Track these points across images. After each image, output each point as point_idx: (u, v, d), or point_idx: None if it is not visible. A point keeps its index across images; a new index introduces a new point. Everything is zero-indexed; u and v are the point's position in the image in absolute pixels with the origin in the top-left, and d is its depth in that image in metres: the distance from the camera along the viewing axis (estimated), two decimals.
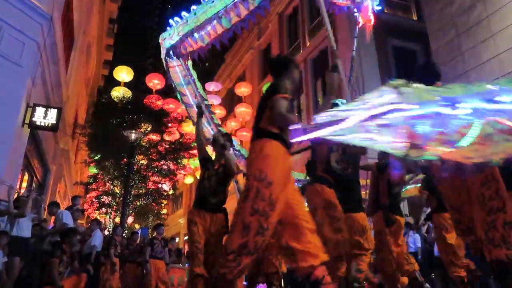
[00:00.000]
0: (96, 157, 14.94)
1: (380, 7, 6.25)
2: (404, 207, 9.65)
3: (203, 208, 3.59)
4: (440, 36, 11.22)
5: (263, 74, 18.72)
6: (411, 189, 6.81)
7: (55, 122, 7.20)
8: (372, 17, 6.05)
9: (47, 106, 7.32)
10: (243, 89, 14.79)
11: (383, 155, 4.35)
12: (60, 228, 5.88)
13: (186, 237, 26.03)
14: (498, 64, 9.41)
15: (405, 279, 4.16)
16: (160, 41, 5.78)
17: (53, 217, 6.61)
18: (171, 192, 18.12)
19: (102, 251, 7.26)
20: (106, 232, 12.37)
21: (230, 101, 19.68)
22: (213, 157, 3.87)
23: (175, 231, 28.17)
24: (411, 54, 13.44)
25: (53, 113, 7.20)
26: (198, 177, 3.81)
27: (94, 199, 15.43)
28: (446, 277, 7.38)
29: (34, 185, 9.42)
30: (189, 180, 18.09)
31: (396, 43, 12.99)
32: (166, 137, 13.94)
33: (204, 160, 3.84)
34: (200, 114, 4.13)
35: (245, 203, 2.22)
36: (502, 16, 9.42)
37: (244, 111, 14.13)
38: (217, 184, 3.64)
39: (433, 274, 7.92)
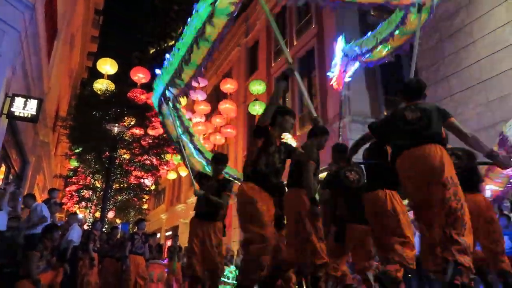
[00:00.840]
0: (77, 150, 14.69)
1: (350, 79, 6.62)
2: None
3: (263, 186, 3.04)
4: (423, 40, 11.43)
5: (249, 72, 18.72)
6: None
7: (35, 113, 7.06)
8: (341, 85, 6.46)
9: (27, 97, 7.17)
10: (228, 86, 14.74)
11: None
12: (40, 221, 5.79)
13: (167, 233, 25.87)
14: (478, 70, 9.66)
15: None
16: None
17: (27, 210, 6.47)
18: (153, 187, 17.98)
19: (80, 246, 7.18)
20: (85, 227, 12.21)
21: (216, 97, 19.62)
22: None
23: (157, 226, 27.97)
24: (395, 56, 13.61)
25: (33, 104, 7.06)
26: (253, 150, 3.14)
27: (74, 193, 15.18)
28: (421, 277, 7.56)
29: (11, 176, 9.22)
30: (172, 175, 17.98)
31: None
32: (150, 132, 13.81)
33: (267, 131, 3.19)
34: (285, 77, 3.40)
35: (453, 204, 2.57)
36: (483, 23, 9.67)
37: (229, 107, 14.08)
38: (279, 162, 3.19)
39: (409, 275, 8.10)
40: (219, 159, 4.71)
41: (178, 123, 6.10)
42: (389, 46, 5.81)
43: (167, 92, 5.28)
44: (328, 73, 7.02)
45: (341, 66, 6.46)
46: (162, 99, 5.39)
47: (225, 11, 4.29)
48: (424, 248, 2.69)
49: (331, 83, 6.80)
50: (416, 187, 2.71)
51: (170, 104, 5.53)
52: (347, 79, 6.55)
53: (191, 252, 4.39)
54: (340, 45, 6.56)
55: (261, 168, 3.05)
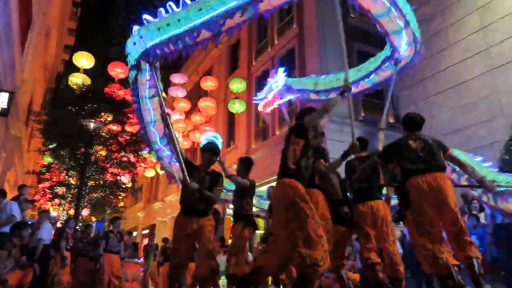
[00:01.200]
0: (51, 146, 14.29)
1: (276, 106, 6.77)
2: None
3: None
4: None
5: (230, 70, 18.66)
6: None
7: (6, 106, 6.87)
8: (266, 109, 6.61)
9: None
10: (209, 83, 14.65)
11: None
12: (8, 220, 5.59)
13: (144, 231, 25.52)
14: (452, 74, 9.95)
15: None
16: (128, 50, 4.73)
17: None
18: (130, 185, 17.69)
19: (52, 244, 6.97)
20: (59, 225, 11.90)
21: (196, 95, 19.48)
22: None
23: (134, 224, 27.56)
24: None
25: (3, 97, 6.85)
26: (295, 149, 3.06)
27: (47, 190, 14.76)
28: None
29: None
30: (149, 173, 17.73)
31: (361, 47, 13.32)
32: (127, 128, 13.59)
33: (307, 134, 3.13)
34: (341, 93, 3.50)
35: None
36: (458, 29, 9.96)
37: (209, 105, 14.01)
38: (310, 168, 3.23)
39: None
40: (215, 150, 4.20)
41: (148, 85, 5.23)
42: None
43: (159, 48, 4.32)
44: (257, 95, 7.05)
45: (276, 95, 6.55)
46: (157, 52, 4.34)
47: None
48: (424, 253, 3.06)
49: (258, 107, 6.93)
50: (426, 207, 3.13)
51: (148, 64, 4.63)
52: (274, 106, 6.67)
53: (177, 251, 3.97)
54: (280, 75, 6.61)
55: (303, 171, 3.04)
